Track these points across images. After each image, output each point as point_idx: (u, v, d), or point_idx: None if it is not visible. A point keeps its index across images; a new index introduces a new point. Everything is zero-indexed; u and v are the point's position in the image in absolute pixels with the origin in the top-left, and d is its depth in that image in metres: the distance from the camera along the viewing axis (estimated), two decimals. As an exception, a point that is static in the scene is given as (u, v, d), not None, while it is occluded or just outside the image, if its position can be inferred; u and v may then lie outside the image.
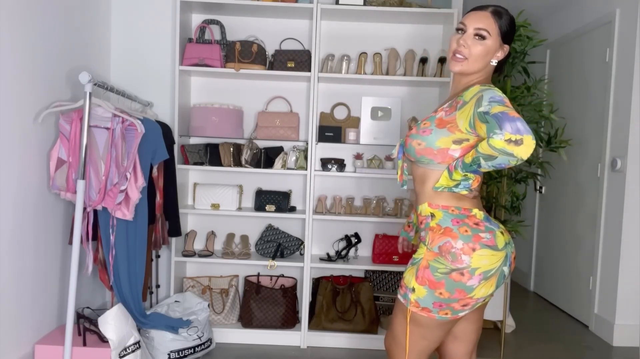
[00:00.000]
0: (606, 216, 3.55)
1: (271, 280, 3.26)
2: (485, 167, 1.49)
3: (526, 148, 1.41)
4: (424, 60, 3.16)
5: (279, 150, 3.24)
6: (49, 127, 2.51)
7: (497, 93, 1.52)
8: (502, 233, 1.62)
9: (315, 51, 3.08)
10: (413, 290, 1.61)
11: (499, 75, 2.69)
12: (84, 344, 2.40)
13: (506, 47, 1.64)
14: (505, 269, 1.60)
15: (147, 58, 3.28)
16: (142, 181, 2.50)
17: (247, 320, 3.14)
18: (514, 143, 1.40)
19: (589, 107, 3.86)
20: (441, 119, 1.61)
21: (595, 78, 3.78)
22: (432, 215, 1.64)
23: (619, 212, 3.40)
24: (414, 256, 1.68)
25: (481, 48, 1.59)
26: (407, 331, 1.65)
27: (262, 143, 3.30)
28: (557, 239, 4.29)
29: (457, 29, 1.64)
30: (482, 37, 1.59)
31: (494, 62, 1.64)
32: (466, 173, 1.55)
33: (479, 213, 1.62)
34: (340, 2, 3.07)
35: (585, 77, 3.93)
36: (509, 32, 1.62)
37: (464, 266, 1.55)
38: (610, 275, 3.48)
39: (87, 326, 2.47)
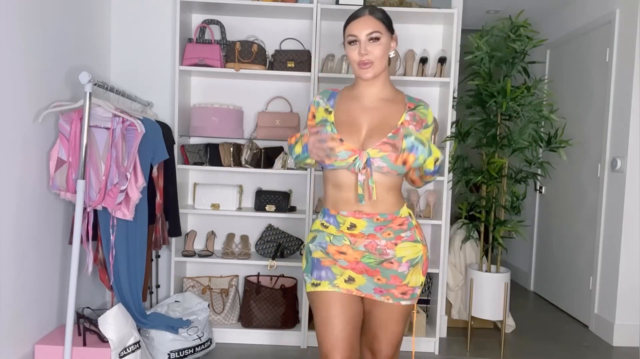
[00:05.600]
0: (606, 216, 3.55)
1: (271, 280, 3.26)
2: None
3: None
4: (423, 60, 3.17)
5: (279, 150, 3.24)
6: (49, 127, 2.51)
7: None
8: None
9: (315, 51, 3.08)
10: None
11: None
12: (84, 344, 2.40)
13: (394, 35, 1.72)
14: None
15: (147, 58, 3.28)
16: (142, 181, 2.50)
17: (247, 320, 3.14)
18: None
19: (589, 107, 3.86)
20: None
21: (595, 78, 3.78)
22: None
23: (619, 212, 3.40)
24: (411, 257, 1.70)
25: (380, 47, 1.65)
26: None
27: (262, 143, 3.30)
28: (557, 239, 4.29)
29: (350, 42, 1.67)
30: (377, 39, 1.65)
31: (392, 54, 1.72)
32: None
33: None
34: (340, 2, 3.07)
35: (585, 77, 3.93)
36: (390, 20, 1.71)
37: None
38: (610, 275, 3.48)
39: (87, 326, 2.47)
